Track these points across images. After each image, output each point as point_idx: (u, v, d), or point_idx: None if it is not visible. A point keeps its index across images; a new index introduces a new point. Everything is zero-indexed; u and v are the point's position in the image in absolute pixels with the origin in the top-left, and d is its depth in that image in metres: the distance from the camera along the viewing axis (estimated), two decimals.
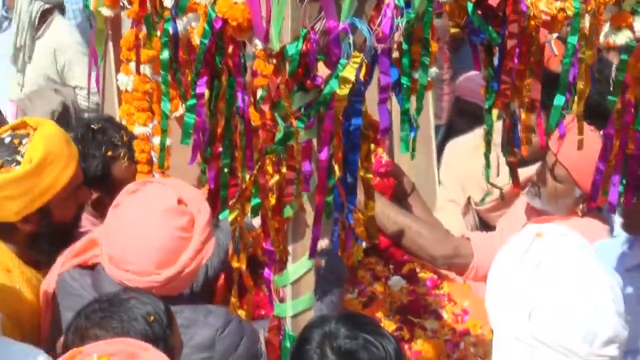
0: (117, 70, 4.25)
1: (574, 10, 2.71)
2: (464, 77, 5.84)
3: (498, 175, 4.52)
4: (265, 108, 2.73)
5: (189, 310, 3.23)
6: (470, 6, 2.71)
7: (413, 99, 2.80)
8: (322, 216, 2.76)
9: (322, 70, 2.69)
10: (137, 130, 4.13)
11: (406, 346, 3.54)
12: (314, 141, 2.74)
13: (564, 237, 2.69)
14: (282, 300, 2.90)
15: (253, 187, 2.82)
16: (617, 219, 3.81)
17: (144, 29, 3.35)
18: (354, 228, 2.85)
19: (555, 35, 2.93)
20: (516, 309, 2.58)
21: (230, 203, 2.95)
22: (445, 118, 6.68)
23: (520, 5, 2.74)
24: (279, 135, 2.72)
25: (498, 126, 3.03)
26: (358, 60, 2.61)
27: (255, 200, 2.83)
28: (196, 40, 2.94)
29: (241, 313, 3.20)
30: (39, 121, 3.59)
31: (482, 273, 3.69)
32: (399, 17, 2.61)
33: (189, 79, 3.04)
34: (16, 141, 3.47)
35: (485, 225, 4.64)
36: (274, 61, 2.68)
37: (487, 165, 3.08)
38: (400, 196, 3.93)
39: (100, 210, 3.89)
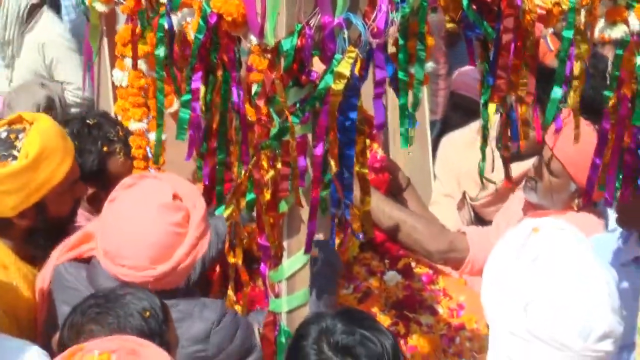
0: (112, 66, 4.25)
1: (569, 4, 2.70)
2: (458, 72, 5.85)
3: (493, 170, 4.51)
4: (261, 103, 2.73)
5: (184, 304, 3.24)
6: (465, 1, 2.70)
7: (410, 94, 2.80)
8: (318, 211, 2.76)
9: (317, 65, 2.69)
10: (133, 126, 4.13)
11: (402, 341, 3.53)
12: (309, 136, 2.74)
13: (561, 232, 2.69)
14: (277, 296, 2.90)
15: (248, 182, 2.82)
16: (612, 214, 3.80)
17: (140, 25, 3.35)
18: (351, 223, 2.85)
19: (550, 30, 2.92)
20: (511, 303, 2.58)
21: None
22: (440, 113, 6.69)
23: None
24: (274, 131, 2.72)
25: (492, 121, 3.03)
26: (353, 55, 2.61)
27: (250, 196, 2.82)
28: (191, 35, 2.93)
29: (237, 308, 3.21)
30: (35, 116, 3.59)
31: (477, 267, 3.69)
32: (394, 12, 2.60)
33: (184, 74, 3.04)
34: (12, 136, 3.47)
35: (480, 220, 4.65)
36: (269, 56, 2.68)
37: (483, 159, 3.08)
38: (395, 191, 3.93)
39: (96, 206, 3.89)
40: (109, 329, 2.73)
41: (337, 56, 2.62)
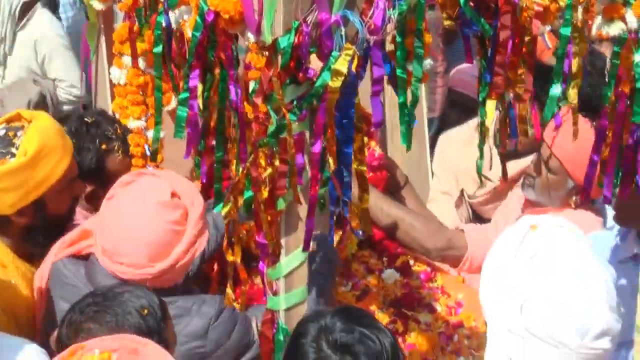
0: (110, 64, 4.25)
1: (566, 1, 2.70)
2: (456, 69, 5.85)
3: (491, 168, 4.52)
4: (258, 101, 2.73)
5: (183, 300, 3.25)
6: None
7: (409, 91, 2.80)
8: (316, 209, 2.76)
9: (315, 63, 2.68)
10: (132, 124, 4.12)
11: (400, 339, 3.53)
12: (307, 134, 2.74)
13: (559, 229, 2.68)
14: (275, 294, 2.90)
15: (245, 180, 2.82)
16: (610, 211, 3.80)
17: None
18: (349, 221, 2.85)
19: (548, 27, 2.92)
20: (509, 301, 2.57)
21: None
22: (438, 111, 6.68)
23: None
24: (271, 128, 2.72)
25: (491, 118, 3.03)
26: (350, 52, 2.61)
27: (247, 193, 2.82)
28: (188, 33, 2.93)
29: (235, 306, 3.21)
30: (33, 114, 3.59)
31: (476, 265, 3.69)
32: (391, 9, 2.60)
33: (182, 72, 3.04)
34: (11, 133, 3.47)
35: (478, 217, 4.64)
36: (266, 54, 2.67)
37: (481, 157, 3.08)
38: (393, 189, 3.93)
39: (94, 204, 3.89)
40: (107, 327, 2.73)
41: (335, 53, 2.62)
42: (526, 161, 4.23)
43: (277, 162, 2.75)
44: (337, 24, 2.61)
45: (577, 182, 3.83)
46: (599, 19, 2.75)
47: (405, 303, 3.68)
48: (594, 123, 3.22)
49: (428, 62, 3.78)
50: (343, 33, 2.61)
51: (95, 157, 3.94)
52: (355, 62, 2.63)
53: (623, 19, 2.71)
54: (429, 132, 5.23)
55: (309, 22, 2.63)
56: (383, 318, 3.55)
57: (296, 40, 2.63)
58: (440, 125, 6.05)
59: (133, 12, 3.36)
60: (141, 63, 3.93)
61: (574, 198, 4.00)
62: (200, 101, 2.97)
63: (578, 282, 2.55)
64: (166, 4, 3.01)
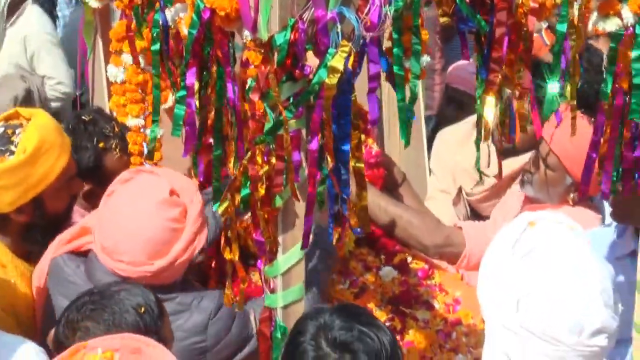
0: (107, 62, 4.25)
1: None
2: (453, 66, 5.85)
3: (489, 165, 4.51)
4: (255, 98, 2.73)
5: (182, 296, 3.27)
6: None
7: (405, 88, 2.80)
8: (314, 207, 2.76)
9: (312, 60, 2.68)
10: (130, 122, 4.12)
11: (398, 337, 3.53)
12: (304, 131, 2.73)
13: (558, 226, 2.68)
14: (272, 291, 2.90)
15: (242, 177, 2.82)
16: (608, 208, 3.80)
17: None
18: (348, 218, 2.84)
19: (545, 24, 2.92)
20: (506, 297, 2.57)
21: None
22: (436, 108, 6.68)
23: None
24: (268, 126, 2.72)
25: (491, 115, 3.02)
26: (346, 49, 2.61)
27: (244, 191, 2.82)
28: (184, 31, 2.93)
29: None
30: (32, 112, 3.60)
31: (474, 262, 3.69)
32: (387, 6, 2.60)
33: (179, 70, 3.04)
34: (9, 131, 3.48)
35: (477, 215, 4.64)
36: (263, 51, 2.67)
37: (478, 153, 3.07)
38: (390, 186, 3.92)
39: (92, 202, 3.89)
40: (104, 325, 2.74)
41: (331, 50, 2.61)
42: (524, 158, 4.23)
43: (273, 160, 2.74)
44: (333, 21, 2.61)
45: (575, 179, 3.84)
46: (594, 15, 2.74)
47: (403, 300, 3.67)
48: (592, 120, 3.22)
49: (425, 59, 3.79)
50: (339, 30, 2.61)
51: (93, 155, 3.94)
52: (352, 59, 2.62)
53: (619, 15, 2.70)
54: (426, 129, 5.22)
55: (305, 19, 2.62)
56: (381, 316, 3.54)
57: (292, 37, 2.63)
58: (437, 122, 6.04)
59: (130, 10, 3.36)
60: (141, 60, 3.93)
61: (572, 195, 4.00)
62: (196, 99, 2.97)
63: (574, 279, 2.55)
64: (162, 2, 3.00)
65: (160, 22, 3.05)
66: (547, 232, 2.67)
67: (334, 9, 2.60)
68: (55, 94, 6.56)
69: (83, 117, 3.99)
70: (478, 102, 2.90)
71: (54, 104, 6.40)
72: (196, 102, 2.97)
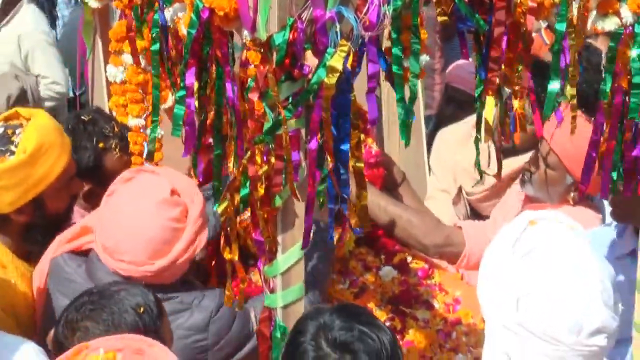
0: (106, 62, 4.24)
1: None
2: (453, 65, 5.84)
3: (489, 164, 4.51)
4: (254, 98, 2.73)
5: (184, 295, 3.27)
6: None
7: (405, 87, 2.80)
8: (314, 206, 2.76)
9: (311, 59, 2.68)
10: (131, 122, 4.12)
11: (398, 336, 3.52)
12: (303, 131, 2.73)
13: (558, 225, 2.68)
14: (272, 291, 2.90)
15: (242, 177, 2.82)
16: (608, 208, 3.80)
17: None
18: (348, 218, 2.84)
19: (545, 24, 2.92)
20: (505, 296, 2.57)
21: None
22: (436, 108, 6.68)
23: None
24: (267, 125, 2.72)
25: (492, 115, 3.02)
26: (345, 49, 2.61)
27: (244, 191, 2.82)
28: (183, 30, 2.93)
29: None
30: (32, 112, 3.60)
31: (474, 261, 3.69)
32: (386, 5, 2.60)
33: (178, 70, 3.04)
34: (9, 131, 3.48)
35: (477, 215, 4.64)
36: (262, 50, 2.67)
37: (478, 152, 3.07)
38: (390, 186, 3.92)
39: (92, 202, 3.89)
40: (103, 325, 2.74)
41: (330, 50, 2.61)
42: (525, 158, 4.23)
43: (273, 159, 2.74)
44: (332, 21, 2.61)
45: (576, 178, 3.84)
46: (593, 14, 2.74)
47: (403, 300, 3.67)
48: (592, 119, 3.22)
49: (424, 58, 3.79)
50: (338, 29, 2.61)
51: (93, 155, 3.94)
52: (351, 58, 2.62)
53: (617, 14, 2.70)
54: (426, 129, 5.22)
55: (303, 18, 2.62)
56: (381, 315, 3.54)
57: (291, 36, 2.63)
58: (437, 121, 6.03)
59: (129, 10, 3.35)
60: (141, 61, 3.92)
61: (572, 194, 4.00)
62: (196, 99, 2.97)
63: (575, 279, 2.54)
64: (161, 2, 3.00)
65: (160, 22, 3.05)
66: (548, 231, 2.66)
67: (332, 8, 2.60)
68: (50, 93, 6.54)
69: (82, 117, 3.98)
70: (477, 101, 2.90)
71: (48, 104, 6.39)
72: (195, 102, 2.97)
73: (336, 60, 2.60)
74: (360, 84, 2.73)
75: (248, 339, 3.30)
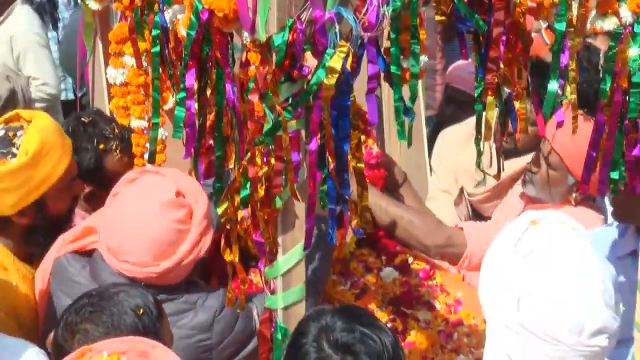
0: (106, 64, 4.24)
1: None
2: (453, 65, 5.83)
3: (491, 165, 4.50)
4: (254, 99, 2.73)
5: (188, 295, 3.28)
6: None
7: (405, 88, 2.80)
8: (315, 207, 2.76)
9: (310, 60, 2.68)
10: (133, 123, 4.12)
11: (399, 337, 3.52)
12: (303, 132, 2.73)
13: (560, 225, 2.68)
14: (273, 292, 2.89)
15: (242, 178, 2.82)
16: (610, 208, 3.80)
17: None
18: (350, 219, 2.84)
19: (545, 24, 2.92)
20: (506, 296, 2.57)
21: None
22: (438, 109, 6.67)
23: None
24: (267, 126, 2.72)
25: (492, 116, 3.01)
26: (345, 49, 2.60)
27: (244, 192, 2.82)
28: (182, 32, 2.93)
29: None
30: (32, 114, 3.60)
31: (475, 262, 3.68)
32: (385, 6, 2.59)
33: (178, 71, 3.03)
34: (10, 134, 3.48)
35: (478, 215, 4.63)
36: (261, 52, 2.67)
37: (478, 152, 3.07)
38: (391, 187, 3.91)
39: (93, 204, 3.89)
40: (103, 327, 2.74)
41: (329, 51, 2.61)
42: (527, 159, 4.22)
43: (273, 160, 2.74)
44: (331, 21, 2.60)
45: (577, 178, 3.83)
46: (592, 14, 2.74)
47: (404, 301, 3.67)
48: (594, 119, 3.21)
49: (423, 59, 3.78)
50: (337, 30, 2.61)
51: (94, 157, 3.94)
52: (350, 59, 2.62)
53: (617, 14, 2.70)
54: (427, 129, 5.21)
55: (303, 19, 2.62)
56: (382, 316, 3.54)
57: (290, 38, 2.63)
58: (437, 121, 6.03)
59: (130, 11, 3.35)
60: (144, 63, 3.92)
61: (574, 195, 4.00)
62: (196, 100, 2.97)
63: (576, 279, 2.54)
64: (161, 4, 3.00)
65: (160, 24, 3.05)
66: (549, 231, 2.66)
67: (331, 9, 2.60)
68: (40, 94, 6.53)
69: (83, 119, 3.98)
70: (477, 101, 2.90)
71: (39, 105, 6.36)
72: (195, 104, 2.97)
73: (335, 61, 2.60)
74: (360, 85, 2.73)
75: (251, 337, 3.31)
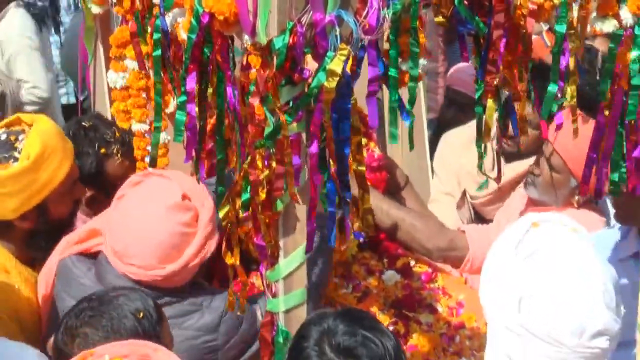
0: (107, 68, 4.25)
1: None
2: (454, 68, 5.84)
3: (493, 168, 4.50)
4: (254, 102, 2.73)
5: (193, 296, 3.29)
6: None
7: (406, 90, 2.79)
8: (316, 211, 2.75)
9: (311, 63, 2.68)
10: (134, 127, 4.13)
11: (401, 341, 3.52)
12: (303, 135, 2.73)
13: (561, 227, 2.68)
14: (274, 296, 2.89)
15: (243, 182, 2.82)
16: (612, 211, 3.79)
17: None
18: (351, 223, 2.84)
19: (546, 26, 2.91)
20: (507, 298, 2.57)
21: None
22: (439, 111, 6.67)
23: None
24: (268, 130, 2.72)
25: (493, 118, 3.01)
26: (345, 52, 2.60)
27: (245, 195, 2.82)
28: (182, 35, 2.93)
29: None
30: (33, 117, 3.61)
31: (477, 265, 3.67)
32: (386, 9, 2.59)
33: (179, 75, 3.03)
34: (12, 137, 3.49)
35: (480, 218, 4.63)
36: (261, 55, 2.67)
37: (479, 155, 3.07)
38: (393, 189, 3.91)
39: (95, 208, 3.90)
40: (103, 331, 2.74)
41: (330, 54, 2.61)
42: (530, 162, 4.22)
43: (274, 164, 2.74)
44: (331, 24, 2.60)
45: (579, 181, 3.82)
46: (592, 16, 2.74)
47: (406, 304, 3.67)
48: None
49: (422, 62, 3.78)
50: (338, 33, 2.61)
51: (95, 162, 3.95)
52: (350, 62, 2.62)
53: (616, 16, 2.70)
54: (429, 132, 5.21)
55: (303, 22, 2.62)
56: (384, 320, 3.54)
57: (291, 41, 2.62)
58: (437, 124, 6.03)
59: (131, 15, 3.35)
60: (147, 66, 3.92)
61: (576, 197, 3.99)
62: (197, 104, 2.97)
63: (576, 281, 2.54)
64: (162, 7, 3.00)
65: (161, 28, 3.05)
66: (551, 233, 2.67)
67: (332, 12, 2.60)
68: (31, 97, 6.51)
69: (83, 123, 3.99)
70: (477, 104, 2.90)
71: (30, 108, 6.36)
72: (196, 108, 2.96)
73: (336, 64, 2.60)
74: (361, 88, 2.73)
75: (256, 338, 3.31)
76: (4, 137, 3.50)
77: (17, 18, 6.66)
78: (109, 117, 4.27)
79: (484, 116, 2.90)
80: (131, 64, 4.07)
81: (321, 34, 2.61)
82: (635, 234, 3.55)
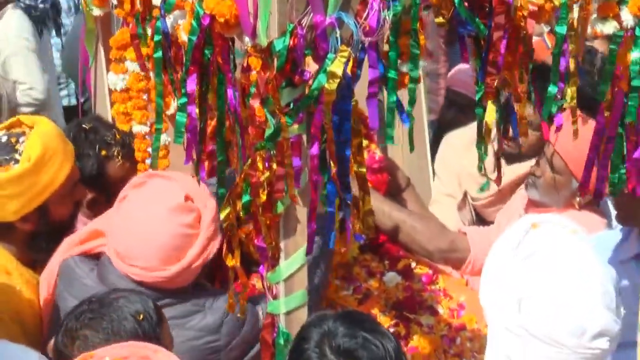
0: (108, 70, 4.25)
1: (561, 0, 2.70)
2: (455, 69, 5.83)
3: (494, 170, 4.49)
4: (255, 104, 2.73)
5: (196, 297, 3.29)
6: None
7: (405, 92, 2.79)
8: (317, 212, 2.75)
9: (312, 65, 2.68)
10: (135, 128, 4.13)
11: (402, 342, 3.52)
12: (304, 137, 2.73)
13: (561, 229, 2.68)
14: (275, 297, 2.89)
15: (244, 184, 2.82)
16: (614, 212, 3.79)
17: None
18: (352, 225, 2.84)
19: (547, 28, 2.91)
20: (507, 299, 2.57)
21: None
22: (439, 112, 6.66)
23: None
24: (268, 132, 2.72)
25: (492, 119, 3.01)
26: (345, 54, 2.61)
27: (246, 197, 2.82)
28: (182, 37, 2.93)
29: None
30: (34, 119, 3.61)
31: (478, 267, 3.67)
32: (386, 10, 2.59)
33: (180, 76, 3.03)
34: (13, 140, 3.48)
35: (482, 220, 4.63)
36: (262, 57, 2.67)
37: (480, 157, 3.07)
38: (394, 191, 3.91)
39: (95, 210, 3.89)
40: (103, 333, 2.74)
41: (330, 55, 2.61)
42: (531, 164, 4.22)
43: (274, 166, 2.74)
44: (332, 26, 2.61)
45: (580, 182, 3.82)
46: (593, 17, 2.74)
47: (407, 306, 3.67)
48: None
49: (421, 64, 3.78)
50: (338, 35, 2.61)
51: (96, 164, 3.94)
52: (351, 64, 2.62)
53: (617, 18, 2.70)
54: (430, 133, 5.21)
55: (303, 24, 2.62)
56: (385, 321, 3.54)
57: (291, 42, 2.63)
58: (438, 125, 6.02)
59: (132, 17, 3.35)
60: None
61: (577, 199, 3.98)
62: (197, 105, 2.97)
63: (576, 282, 2.55)
64: (163, 9, 3.00)
65: (162, 29, 3.05)
66: (550, 234, 2.67)
67: (332, 14, 2.60)
68: (27, 99, 6.50)
69: (84, 126, 3.99)
70: (477, 105, 2.90)
71: (25, 109, 6.34)
72: (197, 109, 2.97)
73: (336, 66, 2.60)
74: (361, 90, 2.73)
75: (257, 339, 3.31)
76: (4, 139, 3.50)
77: (15, 19, 6.65)
78: (110, 119, 4.27)
79: (482, 117, 2.90)
80: (131, 66, 4.07)
81: (322, 35, 2.61)
82: (636, 235, 3.55)
